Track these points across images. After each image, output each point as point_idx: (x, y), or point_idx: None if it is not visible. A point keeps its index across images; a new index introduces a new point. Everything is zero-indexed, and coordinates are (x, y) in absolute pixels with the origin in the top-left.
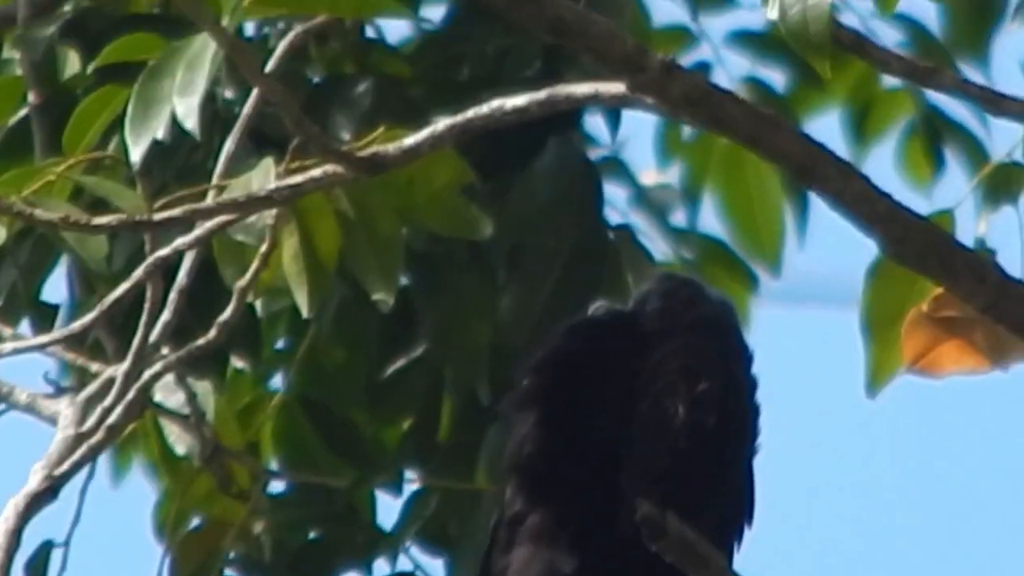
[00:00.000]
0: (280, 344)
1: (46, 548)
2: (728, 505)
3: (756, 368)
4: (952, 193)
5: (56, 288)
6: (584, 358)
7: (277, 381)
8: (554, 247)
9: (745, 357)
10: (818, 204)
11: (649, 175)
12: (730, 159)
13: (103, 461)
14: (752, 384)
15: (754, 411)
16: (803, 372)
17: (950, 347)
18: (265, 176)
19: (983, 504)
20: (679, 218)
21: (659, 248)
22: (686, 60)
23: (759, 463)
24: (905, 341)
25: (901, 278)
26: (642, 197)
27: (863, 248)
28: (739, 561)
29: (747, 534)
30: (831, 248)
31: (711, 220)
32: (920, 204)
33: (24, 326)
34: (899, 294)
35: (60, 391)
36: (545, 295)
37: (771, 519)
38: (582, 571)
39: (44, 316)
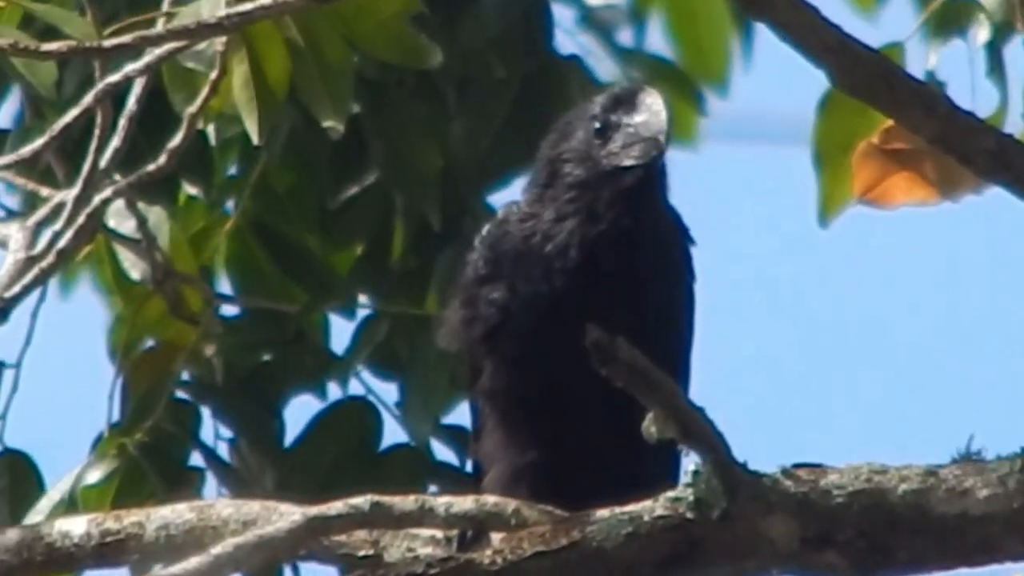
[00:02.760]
0: (232, 171)
1: None
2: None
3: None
4: (898, 27)
5: (5, 116)
6: None
7: (229, 207)
8: (504, 77)
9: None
10: (763, 37)
11: None
12: None
13: (53, 282)
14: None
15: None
16: (752, 208)
17: (900, 178)
18: (215, 4)
19: (932, 332)
20: (626, 39)
21: (606, 68)
22: None
23: (709, 300)
24: (856, 172)
25: (851, 110)
26: (588, 17)
27: (808, 85)
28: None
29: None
30: (776, 85)
31: (658, 42)
32: (868, 37)
33: None
34: (849, 126)
35: (10, 215)
36: (496, 124)
37: (726, 354)
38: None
39: None
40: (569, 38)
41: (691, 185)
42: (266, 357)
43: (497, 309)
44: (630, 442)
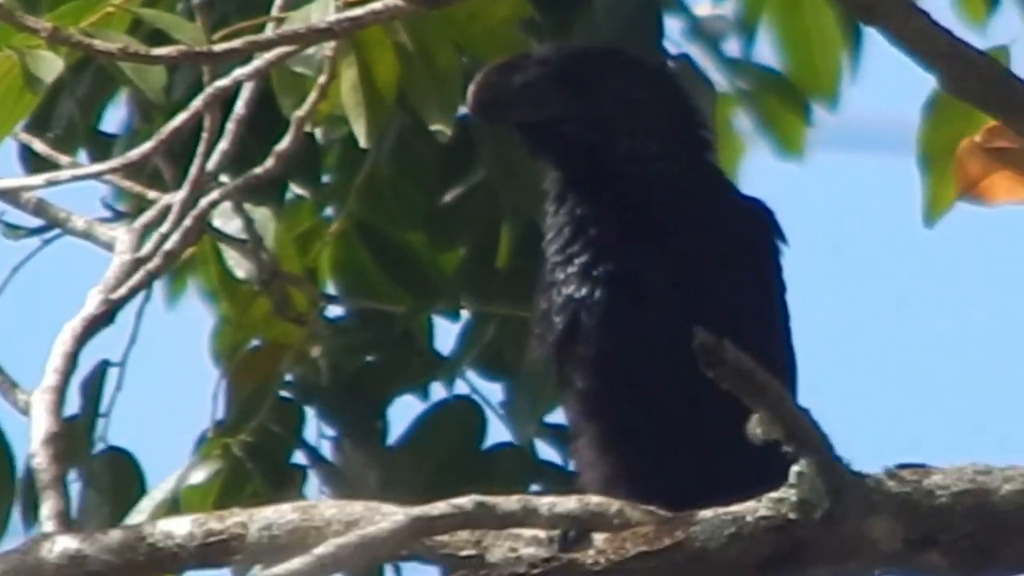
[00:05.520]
0: (338, 174)
1: (102, 368)
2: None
3: (811, 214)
4: (1006, 31)
5: (113, 120)
6: None
7: (334, 211)
8: None
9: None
10: (871, 48)
11: (704, 7)
12: None
13: (159, 287)
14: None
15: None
16: (859, 214)
17: (1002, 177)
18: (325, 8)
19: None
20: (733, 50)
21: (714, 79)
22: None
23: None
24: (958, 169)
25: (958, 113)
26: (696, 28)
27: (913, 95)
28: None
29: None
30: (882, 94)
31: (766, 54)
32: (975, 42)
33: (81, 157)
34: (955, 129)
35: (118, 216)
36: None
37: (836, 357)
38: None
39: (101, 147)
40: (676, 48)
41: (800, 194)
42: (371, 358)
43: (566, 316)
44: (732, 443)
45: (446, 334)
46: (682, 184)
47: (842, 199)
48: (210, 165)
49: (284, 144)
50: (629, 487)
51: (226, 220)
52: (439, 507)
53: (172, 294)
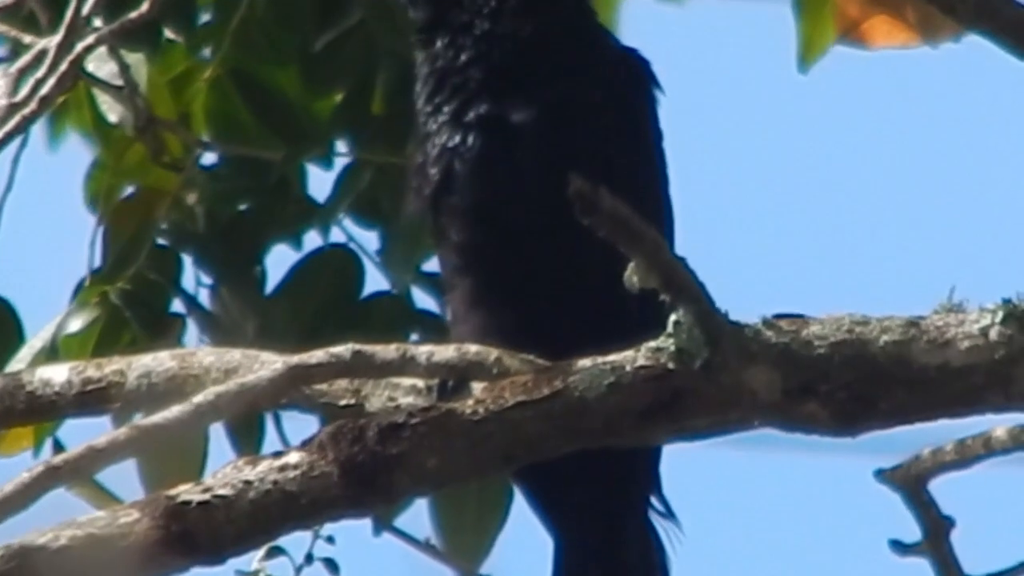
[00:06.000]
0: (211, 16)
1: None
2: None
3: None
4: None
5: None
6: None
7: (209, 54)
8: None
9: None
10: None
11: None
12: None
13: (36, 130)
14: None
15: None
16: (731, 60)
17: (881, 20)
18: None
19: (912, 179)
20: None
21: None
22: None
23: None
24: (838, 11)
25: None
26: None
27: None
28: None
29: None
30: None
31: None
32: None
33: None
34: None
35: None
36: None
37: (709, 208)
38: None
39: None
40: None
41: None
42: (247, 205)
43: (440, 166)
44: (607, 291)
45: (322, 182)
46: (554, 30)
47: (720, 45)
48: (85, 9)
49: None
50: (504, 338)
51: (100, 64)
52: (317, 355)
53: (52, 137)
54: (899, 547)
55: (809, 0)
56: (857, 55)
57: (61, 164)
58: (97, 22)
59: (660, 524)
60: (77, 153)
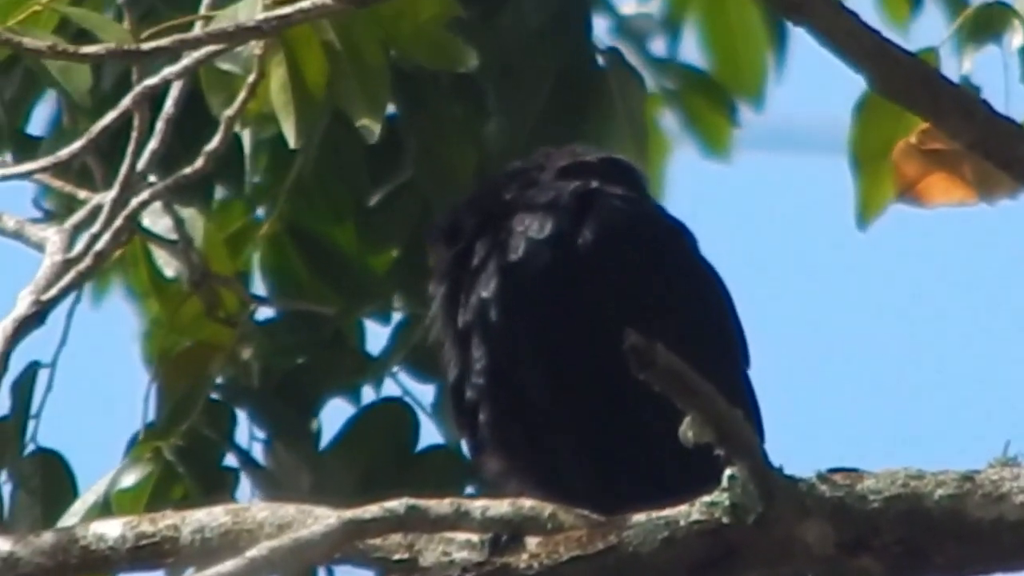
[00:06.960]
0: (268, 174)
1: (32, 368)
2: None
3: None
4: (929, 34)
5: (37, 122)
6: None
7: (263, 212)
8: (543, 70)
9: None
10: (796, 43)
11: (630, 5)
12: None
13: (87, 288)
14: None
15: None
16: (789, 214)
17: (938, 178)
18: (253, 7)
19: (967, 332)
20: (659, 49)
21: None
22: None
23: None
24: (895, 170)
25: (888, 113)
26: (622, 26)
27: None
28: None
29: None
30: (809, 94)
31: (692, 53)
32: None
33: (6, 159)
34: (887, 129)
35: (48, 218)
36: (532, 119)
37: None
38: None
39: (27, 148)
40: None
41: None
42: (302, 360)
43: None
44: (664, 446)
45: (377, 336)
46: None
47: (769, 199)
48: (140, 164)
49: (213, 144)
50: (557, 493)
51: (155, 220)
52: (371, 510)
53: (96, 294)
54: None
55: (867, 159)
56: (915, 212)
57: (111, 321)
58: (152, 177)
59: None
60: (123, 313)
